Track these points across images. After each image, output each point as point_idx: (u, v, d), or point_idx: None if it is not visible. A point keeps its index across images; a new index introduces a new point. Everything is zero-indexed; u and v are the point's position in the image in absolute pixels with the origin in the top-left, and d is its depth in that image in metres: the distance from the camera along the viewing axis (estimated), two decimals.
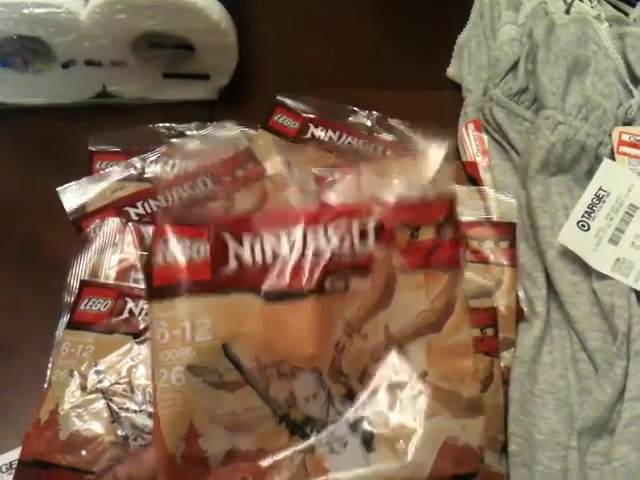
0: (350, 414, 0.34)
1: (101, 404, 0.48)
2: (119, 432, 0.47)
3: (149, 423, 0.46)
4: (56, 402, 0.47)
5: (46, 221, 0.58)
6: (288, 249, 0.36)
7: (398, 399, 0.34)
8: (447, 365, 0.34)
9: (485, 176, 0.62)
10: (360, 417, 0.34)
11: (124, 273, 0.53)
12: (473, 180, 0.61)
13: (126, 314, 0.50)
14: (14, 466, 0.47)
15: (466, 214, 0.58)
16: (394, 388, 0.34)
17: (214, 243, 0.35)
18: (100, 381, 0.48)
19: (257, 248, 0.36)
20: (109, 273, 0.54)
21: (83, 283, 0.52)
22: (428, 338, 0.36)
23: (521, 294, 0.55)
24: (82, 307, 0.50)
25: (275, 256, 0.35)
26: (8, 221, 0.59)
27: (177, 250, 0.37)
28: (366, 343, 0.35)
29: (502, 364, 0.51)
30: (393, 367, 0.34)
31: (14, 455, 0.48)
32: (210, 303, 0.35)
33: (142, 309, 0.50)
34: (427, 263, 0.38)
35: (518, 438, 0.48)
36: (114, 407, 0.48)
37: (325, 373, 0.35)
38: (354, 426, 0.34)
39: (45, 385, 0.48)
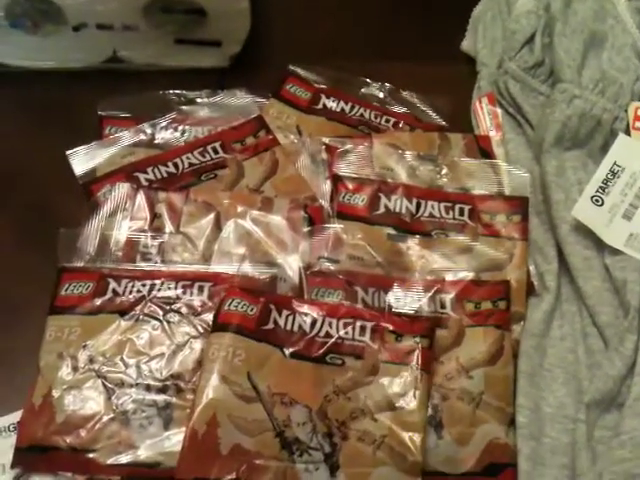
0: (326, 448, 0.46)
1: (95, 382, 0.48)
2: (117, 408, 0.47)
3: (146, 396, 0.47)
4: (48, 386, 0.48)
5: (55, 185, 0.58)
6: (309, 327, 0.49)
7: (361, 449, 0.46)
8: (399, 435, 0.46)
9: (498, 150, 0.61)
10: (332, 452, 0.45)
11: (134, 239, 0.54)
12: (486, 154, 0.61)
13: (109, 294, 0.50)
14: None
15: (478, 187, 0.58)
16: (360, 441, 0.46)
17: (262, 308, 0.49)
18: (91, 360, 0.48)
19: (289, 320, 0.49)
20: (119, 238, 0.53)
21: (61, 270, 0.52)
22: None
23: (532, 268, 0.55)
24: (63, 292, 0.51)
25: (299, 329, 0.49)
26: (16, 184, 0.59)
27: (238, 305, 0.49)
28: (349, 404, 0.47)
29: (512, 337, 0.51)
30: (365, 427, 0.46)
31: (19, 416, 0.48)
32: (248, 343, 0.48)
33: (126, 287, 0.51)
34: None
35: (526, 410, 0.48)
36: (109, 384, 0.48)
37: (314, 412, 0.46)
38: (327, 457, 0.45)
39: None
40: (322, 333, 0.49)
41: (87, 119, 0.61)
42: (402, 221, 0.56)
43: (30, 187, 0.59)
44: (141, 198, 0.55)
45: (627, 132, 0.57)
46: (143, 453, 0.46)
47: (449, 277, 0.53)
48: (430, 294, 0.52)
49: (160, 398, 0.47)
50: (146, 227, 0.54)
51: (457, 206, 0.56)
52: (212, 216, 0.54)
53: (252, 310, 0.49)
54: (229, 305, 0.49)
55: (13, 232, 0.56)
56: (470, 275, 0.53)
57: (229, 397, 0.46)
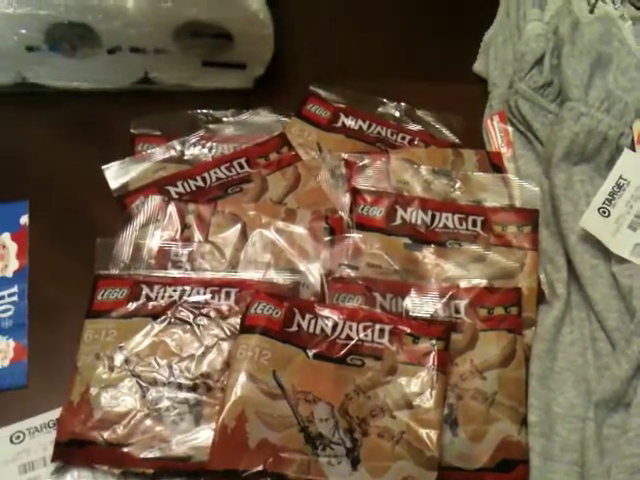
0: (348, 443, 0.48)
1: (130, 381, 0.51)
2: (151, 405, 0.50)
3: (178, 394, 0.50)
4: (86, 384, 0.51)
5: (91, 197, 0.62)
6: (330, 330, 0.52)
7: (381, 444, 0.48)
8: (417, 431, 0.49)
9: (509, 166, 0.64)
10: (353, 447, 0.48)
11: (165, 248, 0.57)
12: (497, 169, 0.64)
13: (143, 299, 0.54)
14: None
15: (490, 200, 0.61)
16: (380, 437, 0.49)
17: (287, 312, 0.52)
18: (127, 361, 0.52)
19: (312, 323, 0.52)
20: (151, 247, 0.57)
21: (97, 277, 0.55)
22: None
23: (542, 277, 0.57)
24: (99, 297, 0.54)
25: (322, 332, 0.52)
26: (52, 197, 0.63)
27: (264, 308, 0.52)
28: (369, 402, 0.49)
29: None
30: (384, 424, 0.49)
31: (58, 414, 0.51)
32: (273, 344, 0.51)
33: (159, 292, 0.54)
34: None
35: (538, 410, 0.51)
36: (143, 383, 0.51)
37: (336, 409, 0.49)
38: (349, 451, 0.48)
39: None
40: (343, 335, 0.52)
41: (120, 137, 0.65)
42: (418, 232, 0.59)
43: (68, 199, 0.62)
44: (172, 210, 0.58)
45: (632, 148, 0.60)
46: (175, 447, 0.49)
47: (463, 284, 0.56)
48: (445, 300, 0.55)
49: (191, 396, 0.50)
50: (177, 237, 0.57)
51: (470, 217, 0.59)
52: (238, 226, 0.58)
53: (277, 313, 0.52)
54: (256, 308, 0.52)
55: (51, 240, 0.60)
56: (483, 282, 0.56)
57: (256, 394, 0.48)
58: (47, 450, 0.50)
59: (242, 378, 0.49)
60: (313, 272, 0.56)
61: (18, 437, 0.51)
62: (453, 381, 0.51)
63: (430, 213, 0.59)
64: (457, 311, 0.54)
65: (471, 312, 0.54)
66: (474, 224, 0.59)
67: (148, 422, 0.49)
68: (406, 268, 0.56)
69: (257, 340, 0.50)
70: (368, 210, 0.60)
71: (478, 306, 0.54)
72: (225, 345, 0.52)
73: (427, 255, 0.57)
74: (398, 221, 0.59)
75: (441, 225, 0.59)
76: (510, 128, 0.66)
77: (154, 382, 0.51)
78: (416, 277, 0.56)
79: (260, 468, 0.46)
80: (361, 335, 0.52)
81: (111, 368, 0.51)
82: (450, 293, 0.55)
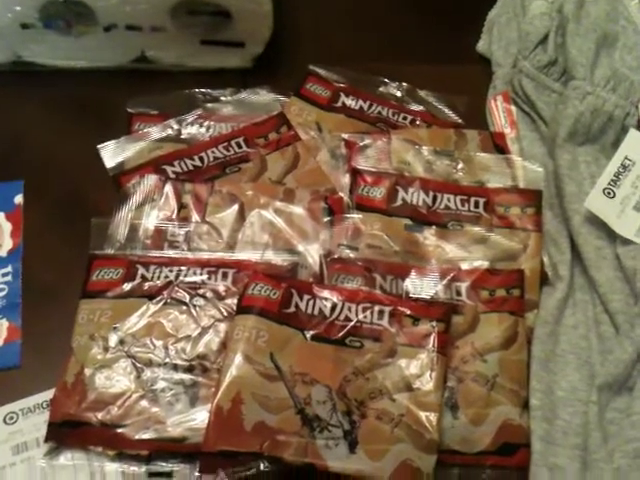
0: (346, 425, 0.47)
1: (125, 362, 0.50)
2: (146, 386, 0.49)
3: (174, 375, 0.49)
4: (80, 365, 0.50)
5: (86, 177, 0.60)
6: (329, 311, 0.51)
7: (380, 427, 0.48)
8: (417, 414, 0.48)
9: (513, 147, 0.63)
10: (351, 429, 0.47)
11: (162, 227, 0.56)
12: (501, 150, 0.63)
13: (138, 279, 0.53)
14: None
15: (493, 181, 0.60)
16: (378, 419, 0.48)
17: (284, 293, 0.51)
18: (122, 341, 0.51)
19: (310, 304, 0.51)
20: (147, 227, 0.56)
21: (92, 257, 0.54)
22: None
23: (545, 259, 0.56)
24: (94, 278, 0.53)
25: (320, 313, 0.51)
26: (49, 176, 0.62)
27: (261, 289, 0.51)
28: (367, 384, 0.49)
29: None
30: (383, 406, 0.48)
31: (51, 394, 0.51)
32: (270, 325, 0.50)
33: (155, 273, 0.53)
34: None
35: (539, 393, 0.50)
36: (138, 364, 0.50)
37: (334, 391, 0.48)
38: (346, 434, 0.47)
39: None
40: (342, 317, 0.51)
41: (117, 116, 0.63)
42: (419, 212, 0.57)
43: (63, 179, 0.61)
44: (168, 189, 0.57)
45: (638, 128, 0.59)
46: (170, 429, 0.48)
47: (465, 266, 0.55)
48: (446, 282, 0.54)
49: (187, 377, 0.50)
50: (173, 217, 0.56)
51: (472, 199, 0.58)
52: (236, 206, 0.57)
53: (275, 294, 0.51)
54: (253, 289, 0.51)
55: (47, 220, 0.59)
56: (485, 264, 0.55)
57: (253, 376, 0.48)
58: (40, 431, 0.49)
59: (238, 359, 0.48)
60: (312, 253, 0.55)
61: (11, 418, 0.50)
62: (454, 364, 0.51)
63: (431, 194, 0.58)
64: (458, 293, 0.53)
65: (472, 294, 0.53)
66: (476, 205, 0.58)
67: (143, 403, 0.49)
68: (406, 249, 0.55)
69: (254, 321, 0.49)
70: (368, 191, 0.59)
71: (480, 288, 0.53)
72: (222, 326, 0.51)
73: (428, 236, 0.56)
74: (399, 202, 0.58)
75: (442, 206, 0.58)
76: (514, 108, 0.65)
77: (149, 363, 0.50)
78: (417, 259, 0.55)
79: (256, 450, 0.46)
80: (360, 316, 0.51)
81: (106, 349, 0.50)
82: (451, 275, 0.54)
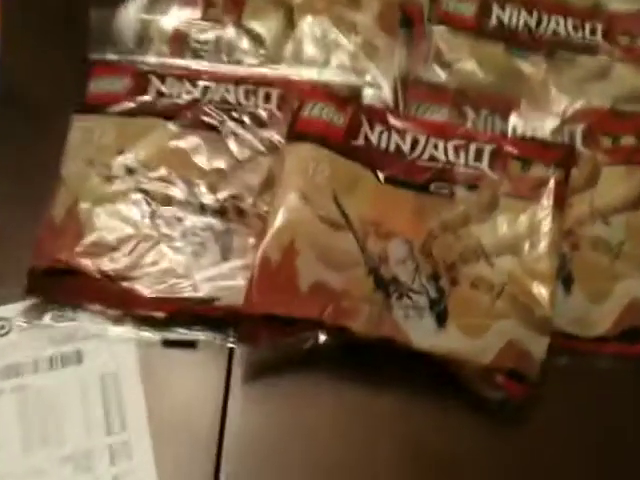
0: (432, 292, 0.36)
1: (135, 197, 0.38)
2: (161, 229, 0.37)
3: (201, 218, 0.37)
4: (74, 197, 0.38)
5: None
6: (409, 148, 0.39)
7: (476, 297, 0.36)
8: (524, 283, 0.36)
9: None
10: (439, 297, 0.36)
11: (183, 30, 0.42)
12: None
13: (152, 94, 0.40)
14: None
15: (616, 2, 0.46)
16: (474, 287, 0.36)
17: (352, 118, 0.39)
18: (130, 170, 0.38)
19: (384, 137, 0.39)
20: (164, 27, 0.42)
21: (91, 62, 0.41)
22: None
23: None
24: (93, 88, 0.40)
25: (397, 149, 0.39)
26: None
27: (322, 111, 0.39)
28: (458, 243, 0.37)
29: None
30: (479, 271, 0.36)
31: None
32: (333, 159, 0.38)
33: (174, 87, 0.40)
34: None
35: None
36: (151, 201, 0.37)
37: (416, 248, 0.37)
38: (433, 303, 0.36)
39: None
40: (425, 156, 0.38)
41: None
42: (518, 37, 0.44)
43: None
44: None
45: None
46: (195, 285, 0.36)
47: (579, 105, 0.43)
48: (556, 124, 0.42)
49: (217, 222, 0.37)
50: (199, 17, 0.43)
51: (588, 23, 0.45)
52: (283, 11, 0.43)
53: (339, 119, 0.38)
54: (311, 110, 0.38)
55: (29, 19, 0.44)
56: (607, 104, 0.43)
57: (311, 220, 0.35)
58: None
59: (292, 198, 0.36)
60: (384, 74, 0.41)
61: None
62: (567, 226, 0.39)
63: (535, 14, 0.45)
64: (571, 139, 0.41)
65: (590, 141, 0.41)
66: (593, 32, 0.45)
67: (159, 251, 0.36)
68: (505, 81, 0.43)
69: (312, 150, 0.37)
70: (455, 5, 0.45)
71: (600, 134, 0.41)
72: (264, 161, 0.39)
73: (535, 65, 0.43)
74: (493, 22, 0.45)
75: (550, 31, 0.45)
76: None
77: (167, 200, 0.38)
78: (517, 93, 0.43)
79: (314, 316, 0.34)
80: (450, 156, 0.38)
81: (108, 179, 0.38)
82: (563, 115, 0.42)
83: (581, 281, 0.38)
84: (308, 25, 0.43)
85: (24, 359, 0.36)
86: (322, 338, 0.34)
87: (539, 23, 0.45)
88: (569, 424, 0.36)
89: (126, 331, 0.35)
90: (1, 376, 0.35)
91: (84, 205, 0.37)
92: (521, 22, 0.45)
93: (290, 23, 0.43)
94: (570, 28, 0.45)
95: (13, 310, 0.37)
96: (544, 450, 0.36)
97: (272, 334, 0.34)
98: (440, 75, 0.41)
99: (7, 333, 0.36)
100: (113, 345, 0.36)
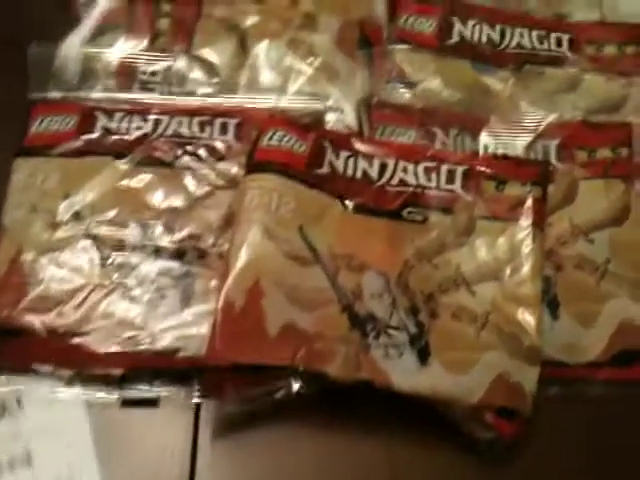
0: (411, 327, 0.33)
1: (83, 244, 0.35)
2: (114, 277, 0.34)
3: (157, 263, 0.34)
4: (17, 248, 0.35)
5: None
6: (377, 173, 0.37)
7: (459, 329, 0.33)
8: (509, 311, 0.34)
9: None
10: (419, 332, 0.33)
11: (130, 62, 0.40)
12: None
13: (99, 131, 0.37)
14: None
15: (578, 14, 0.45)
16: (455, 319, 0.34)
17: (314, 146, 0.37)
18: (77, 215, 0.35)
19: (350, 163, 0.37)
20: (109, 60, 0.39)
21: (31, 101, 0.38)
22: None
23: None
24: (35, 129, 0.38)
25: (364, 176, 0.37)
26: None
27: (282, 139, 0.36)
28: (436, 272, 0.35)
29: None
30: (460, 301, 0.34)
31: None
32: (298, 190, 0.35)
33: (122, 122, 0.37)
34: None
35: None
36: (102, 247, 0.35)
37: (392, 281, 0.34)
38: (413, 339, 0.33)
39: None
40: (395, 181, 0.36)
41: None
42: (482, 53, 0.43)
43: None
44: (139, 10, 0.41)
45: None
46: (154, 336, 0.33)
47: (549, 120, 0.41)
48: (528, 140, 0.40)
49: (175, 265, 0.34)
50: (145, 47, 0.40)
51: (553, 35, 0.43)
52: (235, 36, 0.41)
53: (301, 147, 0.36)
54: (270, 139, 0.35)
55: None
56: (578, 116, 0.41)
57: (276, 257, 0.33)
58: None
59: (255, 234, 0.33)
60: (346, 98, 0.39)
61: None
62: (548, 245, 0.37)
63: (499, 28, 0.43)
64: (545, 154, 0.39)
65: (565, 155, 0.39)
66: (558, 43, 0.43)
67: (112, 301, 0.33)
68: (472, 98, 0.41)
69: (274, 181, 0.34)
70: (415, 22, 0.43)
71: (575, 147, 0.39)
72: (223, 196, 0.36)
73: (502, 80, 0.41)
74: (455, 38, 0.43)
75: (514, 44, 0.43)
76: None
77: (119, 245, 0.35)
78: (485, 110, 0.41)
79: (286, 362, 0.31)
80: (421, 180, 0.36)
81: (54, 225, 0.35)
82: (536, 130, 0.40)
83: (567, 304, 0.36)
84: (262, 50, 0.40)
85: None
86: (295, 386, 0.31)
87: (503, 37, 0.43)
88: (561, 457, 0.34)
89: (79, 393, 0.32)
90: None
91: (28, 255, 0.34)
92: (484, 37, 0.43)
93: (243, 49, 0.41)
94: (535, 40, 0.43)
95: None
96: None
97: (240, 385, 0.31)
98: (405, 95, 0.39)
99: None
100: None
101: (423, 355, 0.32)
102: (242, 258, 0.33)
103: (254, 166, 0.35)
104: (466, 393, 0.32)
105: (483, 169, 0.36)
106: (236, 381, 0.31)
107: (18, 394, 0.32)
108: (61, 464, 0.31)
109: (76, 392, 0.32)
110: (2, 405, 0.32)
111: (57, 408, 0.32)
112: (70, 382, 0.32)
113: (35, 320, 0.33)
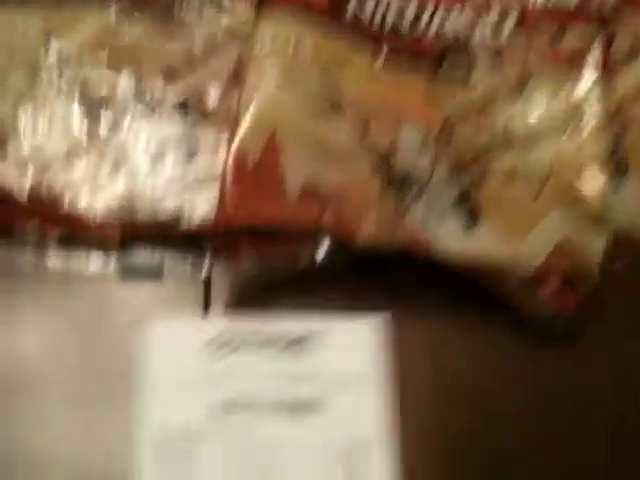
0: (457, 187, 0.28)
1: (68, 95, 0.29)
2: (104, 134, 0.28)
3: (152, 117, 0.29)
4: None
5: None
6: (412, 16, 0.31)
7: (513, 192, 0.29)
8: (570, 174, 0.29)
9: None
10: (467, 193, 0.28)
11: None
12: None
13: None
14: None
15: None
16: (508, 180, 0.29)
17: None
18: (63, 63, 0.30)
19: (380, 6, 0.31)
20: None
21: None
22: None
23: None
24: None
25: (397, 20, 0.31)
26: None
27: None
28: (483, 132, 0.30)
29: None
30: (512, 162, 0.29)
31: None
32: (317, 34, 0.30)
33: None
34: None
35: None
36: (87, 99, 0.29)
37: (432, 136, 0.29)
38: (460, 199, 0.28)
39: None
40: (433, 27, 0.31)
41: None
42: None
43: None
44: None
45: None
46: (152, 200, 0.28)
47: None
48: None
49: (176, 121, 0.29)
50: None
51: None
52: None
53: None
54: None
55: None
56: None
57: (296, 107, 0.28)
58: None
59: (270, 81, 0.28)
60: None
61: None
62: (614, 102, 0.32)
63: None
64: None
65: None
66: None
67: (102, 161, 0.28)
68: None
69: (291, 24, 0.29)
70: None
71: None
72: (232, 44, 0.31)
73: None
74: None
75: None
76: None
77: (109, 96, 0.30)
78: None
79: (310, 224, 0.27)
80: (465, 28, 0.31)
81: (34, 69, 0.30)
82: None
83: (638, 167, 0.31)
84: None
85: None
86: (319, 255, 0.27)
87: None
88: (632, 341, 0.30)
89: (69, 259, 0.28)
90: None
91: (5, 108, 0.29)
92: None
93: None
94: None
95: None
96: (600, 376, 0.29)
97: (255, 254, 0.27)
98: None
99: None
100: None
101: (471, 218, 0.28)
102: (255, 109, 0.28)
103: (268, 5, 0.30)
104: (524, 258, 0.27)
105: (539, 14, 0.31)
106: (250, 249, 0.27)
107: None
108: None
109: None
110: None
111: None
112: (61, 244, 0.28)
113: (14, 183, 0.28)
